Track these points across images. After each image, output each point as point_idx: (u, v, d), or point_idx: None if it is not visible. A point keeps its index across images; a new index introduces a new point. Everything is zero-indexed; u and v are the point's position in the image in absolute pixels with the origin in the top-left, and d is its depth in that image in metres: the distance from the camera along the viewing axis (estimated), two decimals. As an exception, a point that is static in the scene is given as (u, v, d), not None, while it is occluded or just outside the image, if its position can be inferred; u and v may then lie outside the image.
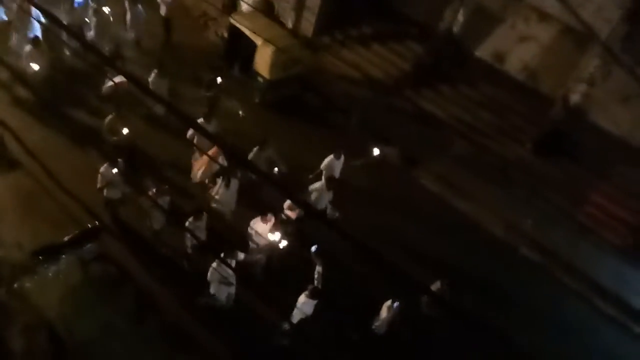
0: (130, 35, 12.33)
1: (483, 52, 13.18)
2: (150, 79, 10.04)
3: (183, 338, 7.60)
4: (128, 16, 12.08)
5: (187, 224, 7.74)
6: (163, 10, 12.34)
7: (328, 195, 9.06)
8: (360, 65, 13.30)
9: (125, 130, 8.48)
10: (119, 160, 8.05)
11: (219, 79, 10.78)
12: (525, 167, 11.44)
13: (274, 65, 11.51)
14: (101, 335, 7.36)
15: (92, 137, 9.69)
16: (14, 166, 9.14)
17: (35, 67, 9.99)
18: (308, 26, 13.85)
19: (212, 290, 7.54)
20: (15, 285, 7.50)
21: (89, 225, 8.05)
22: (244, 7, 13.73)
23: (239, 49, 12.14)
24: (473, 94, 12.85)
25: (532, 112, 12.23)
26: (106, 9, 11.63)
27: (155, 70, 10.14)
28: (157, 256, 8.44)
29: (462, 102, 12.69)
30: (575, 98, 11.41)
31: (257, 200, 8.70)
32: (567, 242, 10.23)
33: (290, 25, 13.49)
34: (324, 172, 9.41)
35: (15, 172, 9.08)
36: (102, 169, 8.08)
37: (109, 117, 8.99)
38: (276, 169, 9.42)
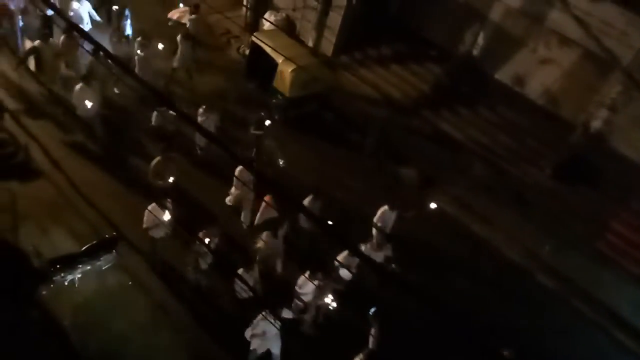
0: (178, 69, 12.18)
1: (503, 75, 13.17)
2: (199, 116, 9.78)
3: (197, 354, 7.61)
4: (178, 50, 11.87)
5: (239, 271, 7.55)
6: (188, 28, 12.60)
7: (386, 250, 8.42)
8: (379, 85, 13.39)
9: (171, 178, 8.37)
10: (167, 201, 7.77)
11: (267, 122, 10.33)
12: (544, 192, 11.30)
13: (293, 84, 11.65)
14: (114, 346, 7.41)
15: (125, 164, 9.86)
16: (38, 176, 9.35)
17: (87, 104, 9.57)
18: (328, 45, 14.02)
19: (252, 345, 7.14)
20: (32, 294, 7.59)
21: (107, 235, 8.15)
22: (266, 25, 14.00)
23: (260, 67, 12.32)
24: (492, 116, 12.81)
25: (552, 136, 12.13)
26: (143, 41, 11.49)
27: (204, 107, 9.91)
28: (171, 269, 8.50)
29: (480, 125, 12.65)
30: (596, 124, 11.31)
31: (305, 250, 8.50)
32: (585, 270, 10.02)
33: (310, 44, 13.67)
34: (378, 225, 8.75)
35: (38, 182, 9.28)
36: (149, 208, 7.83)
37: (156, 160, 8.63)
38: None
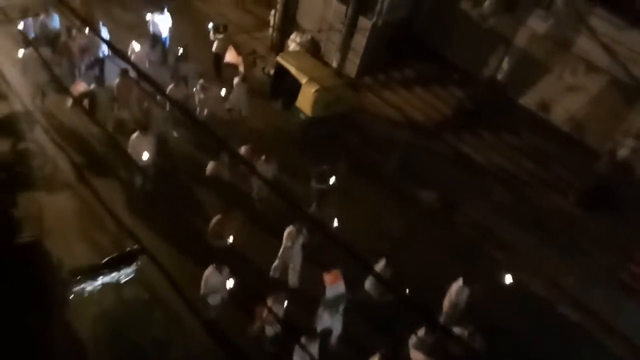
0: (232, 112, 12.00)
1: (528, 100, 13.06)
2: (257, 165, 9.35)
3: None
4: (233, 93, 11.75)
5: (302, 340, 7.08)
6: (215, 47, 12.90)
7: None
8: (401, 107, 13.42)
9: (231, 237, 8.00)
10: (224, 267, 7.58)
11: (332, 179, 9.73)
12: (567, 220, 11.08)
13: (316, 104, 11.76)
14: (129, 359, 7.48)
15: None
16: (64, 188, 9.59)
17: (144, 156, 9.21)
18: (352, 67, 14.15)
19: None
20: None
21: (128, 248, 8.28)
22: (291, 46, 14.22)
23: (284, 86, 12.49)
24: (516, 141, 12.68)
25: (577, 163, 11.92)
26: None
27: (263, 157, 9.56)
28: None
29: (504, 150, 12.53)
30: (622, 152, 11.10)
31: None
32: (609, 302, 9.73)
33: (335, 65, 13.81)
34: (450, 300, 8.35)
35: (64, 194, 9.51)
36: (206, 274, 7.59)
37: (216, 219, 8.42)
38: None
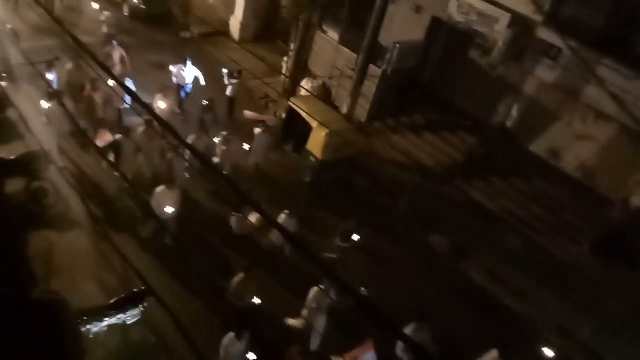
0: (253, 163, 12.01)
1: (538, 147, 13.11)
2: (280, 219, 9.16)
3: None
4: (255, 144, 11.73)
5: None
6: (229, 91, 13.21)
7: None
8: (411, 152, 13.51)
9: (256, 299, 7.86)
10: (244, 332, 7.32)
11: (355, 237, 9.52)
12: (582, 269, 10.87)
13: (326, 147, 11.89)
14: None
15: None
16: (74, 226, 9.61)
17: (169, 210, 9.11)
18: (362, 112, 14.37)
19: None
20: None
21: (135, 289, 8.18)
22: (303, 91, 14.53)
23: (295, 130, 12.68)
24: (527, 188, 12.64)
25: (590, 211, 11.81)
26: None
27: (287, 212, 9.40)
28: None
29: (515, 196, 12.47)
30: (636, 201, 10.99)
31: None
32: (628, 355, 9.40)
33: (345, 110, 14.04)
34: None
35: (75, 232, 9.53)
36: (225, 342, 7.37)
37: (238, 278, 8.19)
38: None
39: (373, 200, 12.06)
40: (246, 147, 11.53)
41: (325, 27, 15.42)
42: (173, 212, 9.11)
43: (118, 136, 10.43)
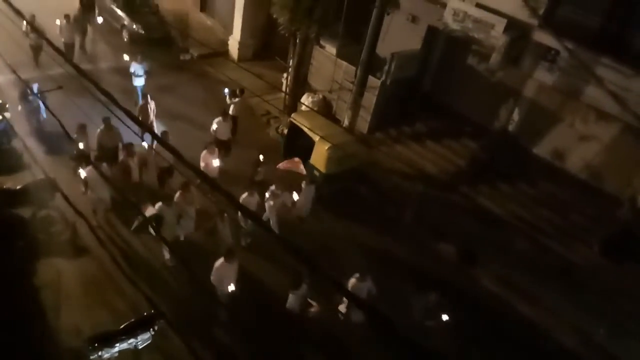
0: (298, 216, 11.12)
1: (541, 149, 13.07)
2: (350, 283, 8.35)
3: None
4: (301, 198, 10.87)
5: None
6: (231, 110, 13.29)
7: None
8: (414, 161, 13.50)
9: None
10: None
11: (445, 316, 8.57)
12: (593, 270, 10.76)
13: (329, 160, 11.91)
14: None
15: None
16: (82, 253, 9.64)
17: (230, 287, 8.29)
18: (363, 124, 14.41)
19: None
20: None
21: (145, 313, 8.18)
22: (304, 107, 14.60)
23: (298, 145, 12.72)
24: (533, 191, 12.58)
25: (597, 211, 11.73)
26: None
27: (357, 275, 8.53)
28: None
29: (521, 200, 12.42)
30: (643, 198, 10.92)
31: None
32: (645, 356, 9.28)
33: (346, 123, 14.08)
34: None
35: (82, 259, 9.55)
36: None
37: None
38: None
39: (379, 211, 12.05)
40: (295, 196, 10.71)
41: (322, 42, 15.54)
42: (234, 289, 8.23)
43: (158, 205, 9.27)
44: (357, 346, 8.70)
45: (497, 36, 12.19)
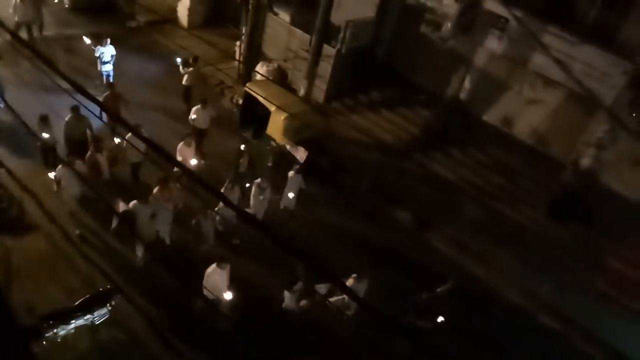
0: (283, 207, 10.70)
1: (491, 116, 13.47)
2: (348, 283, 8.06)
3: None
4: (288, 187, 10.48)
5: None
6: (184, 80, 12.90)
7: None
8: (370, 129, 13.62)
9: None
10: None
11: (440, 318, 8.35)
12: (539, 231, 11.33)
13: (286, 130, 11.84)
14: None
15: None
16: (31, 230, 9.28)
17: (227, 295, 7.83)
18: (320, 93, 14.35)
19: None
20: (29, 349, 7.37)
21: (100, 288, 8.02)
22: (259, 76, 14.36)
23: (253, 115, 12.55)
24: (483, 157, 13.00)
25: (544, 176, 12.28)
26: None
27: (354, 275, 8.27)
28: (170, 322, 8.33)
29: (472, 166, 12.82)
30: (585, 162, 11.50)
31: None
32: (586, 309, 9.93)
33: (302, 92, 13.98)
34: None
35: (32, 236, 9.20)
36: None
37: None
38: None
39: (336, 180, 12.15)
40: (291, 195, 10.39)
41: (275, 9, 15.22)
42: (232, 297, 7.75)
43: (132, 203, 8.62)
44: (355, 343, 8.58)
45: (449, 4, 12.32)
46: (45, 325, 7.38)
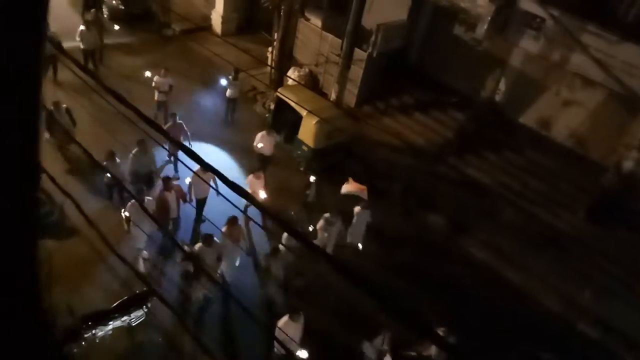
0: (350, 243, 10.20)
1: (527, 118, 13.14)
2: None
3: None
4: (354, 224, 9.99)
5: None
6: (228, 93, 13.23)
7: None
8: (402, 133, 13.51)
9: None
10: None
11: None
12: (578, 236, 10.98)
13: (317, 135, 11.88)
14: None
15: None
16: (72, 234, 9.59)
17: (302, 354, 7.29)
18: (351, 97, 14.34)
19: None
20: (64, 351, 7.62)
21: (137, 291, 8.21)
22: (290, 81, 14.47)
23: (285, 120, 12.65)
24: (519, 160, 12.69)
25: (583, 179, 11.89)
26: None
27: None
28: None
29: (508, 169, 12.53)
30: (628, 165, 11.06)
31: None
32: (628, 317, 9.54)
33: (333, 96, 14.00)
34: None
35: (73, 239, 9.50)
36: None
37: None
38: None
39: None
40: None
41: (307, 14, 15.32)
42: (306, 356, 7.15)
43: (198, 246, 8.39)
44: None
45: (483, 5, 12.10)
46: (83, 326, 7.61)
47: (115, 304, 7.94)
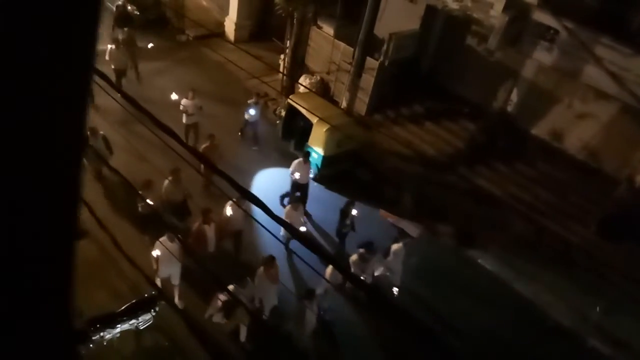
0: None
1: (540, 130, 13.07)
2: None
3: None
4: (392, 261, 9.46)
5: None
6: (247, 115, 12.94)
7: None
8: (412, 142, 13.49)
9: None
10: None
11: None
12: (589, 249, 10.85)
13: (328, 142, 11.90)
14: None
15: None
16: (82, 236, 9.65)
17: None
18: (362, 105, 14.35)
19: None
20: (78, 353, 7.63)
21: (145, 294, 8.23)
22: (302, 88, 14.53)
23: (296, 127, 12.68)
24: (531, 172, 12.61)
25: (595, 192, 11.77)
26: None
27: None
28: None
29: (519, 181, 12.45)
30: (641, 178, 10.96)
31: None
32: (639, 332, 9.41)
33: (344, 104, 14.03)
34: None
35: (82, 242, 9.56)
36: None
37: None
38: None
39: (378, 193, 12.07)
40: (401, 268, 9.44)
41: (320, 22, 15.40)
42: None
43: (231, 287, 7.88)
44: None
45: (496, 15, 12.10)
46: (92, 328, 7.63)
47: (123, 307, 7.96)
